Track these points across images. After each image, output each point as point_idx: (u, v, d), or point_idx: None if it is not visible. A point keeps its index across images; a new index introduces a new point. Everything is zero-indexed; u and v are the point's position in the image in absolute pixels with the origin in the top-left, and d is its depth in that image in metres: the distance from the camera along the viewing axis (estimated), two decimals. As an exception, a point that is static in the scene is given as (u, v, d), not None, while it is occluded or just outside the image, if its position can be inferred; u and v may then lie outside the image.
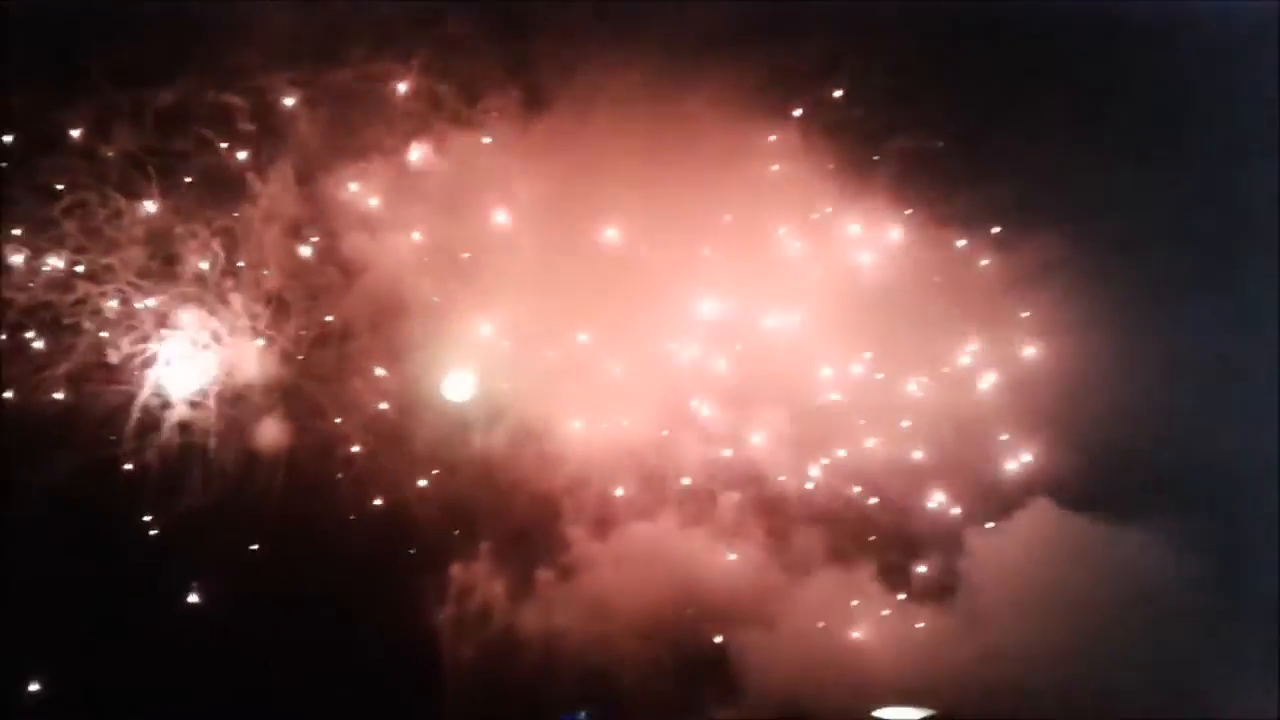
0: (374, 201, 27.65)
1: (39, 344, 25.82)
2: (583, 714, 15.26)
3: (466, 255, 27.64)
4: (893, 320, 26.74)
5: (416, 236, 27.52)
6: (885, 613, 26.42)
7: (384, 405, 27.68)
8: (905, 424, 27.22)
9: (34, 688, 24.10)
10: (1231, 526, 23.03)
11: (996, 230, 26.51)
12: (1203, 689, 21.87)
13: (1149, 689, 21.89)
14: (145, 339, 26.45)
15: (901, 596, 26.73)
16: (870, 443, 27.43)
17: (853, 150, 27.22)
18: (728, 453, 28.06)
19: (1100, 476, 24.21)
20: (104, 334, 26.19)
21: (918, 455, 27.21)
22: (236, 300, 26.87)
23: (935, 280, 25.87)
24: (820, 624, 25.31)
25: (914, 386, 27.19)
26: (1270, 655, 21.00)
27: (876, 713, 20.55)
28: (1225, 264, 24.31)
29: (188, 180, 26.75)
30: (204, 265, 26.76)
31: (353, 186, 27.47)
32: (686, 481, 28.07)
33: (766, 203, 27.49)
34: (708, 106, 26.85)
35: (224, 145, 26.95)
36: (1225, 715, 21.24)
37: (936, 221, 26.59)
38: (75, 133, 26.23)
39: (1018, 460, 25.43)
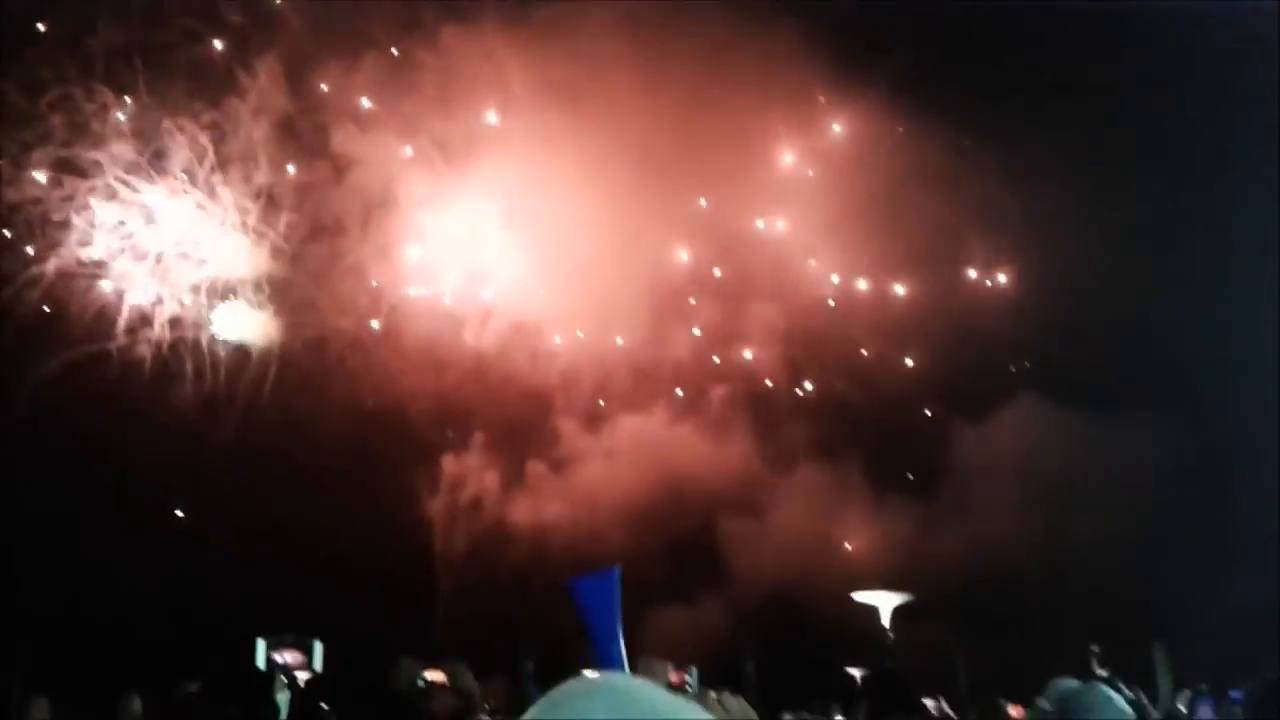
0: (365, 102, 27.49)
1: (29, 242, 25.78)
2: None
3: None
4: (889, 220, 26.63)
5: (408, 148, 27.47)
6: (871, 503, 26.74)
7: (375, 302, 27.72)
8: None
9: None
10: (1217, 420, 23.15)
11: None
12: (1187, 578, 22.16)
13: (1133, 579, 22.17)
14: (134, 234, 26.37)
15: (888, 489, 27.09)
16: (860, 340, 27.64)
17: (849, 51, 26.79)
18: (716, 358, 28.30)
19: (1089, 371, 24.26)
20: (93, 229, 26.09)
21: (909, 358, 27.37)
22: (226, 195, 26.76)
23: (931, 179, 25.58)
24: (806, 514, 25.54)
25: (903, 289, 27.18)
26: (1258, 545, 21.19)
27: (856, 595, 20.84)
28: (1218, 167, 24.06)
29: (174, 74, 26.50)
30: (192, 160, 26.61)
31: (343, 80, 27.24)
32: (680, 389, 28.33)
33: (764, 103, 27.11)
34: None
35: (212, 39, 26.70)
36: (1210, 605, 21.51)
37: (934, 120, 26.26)
38: (60, 26, 25.92)
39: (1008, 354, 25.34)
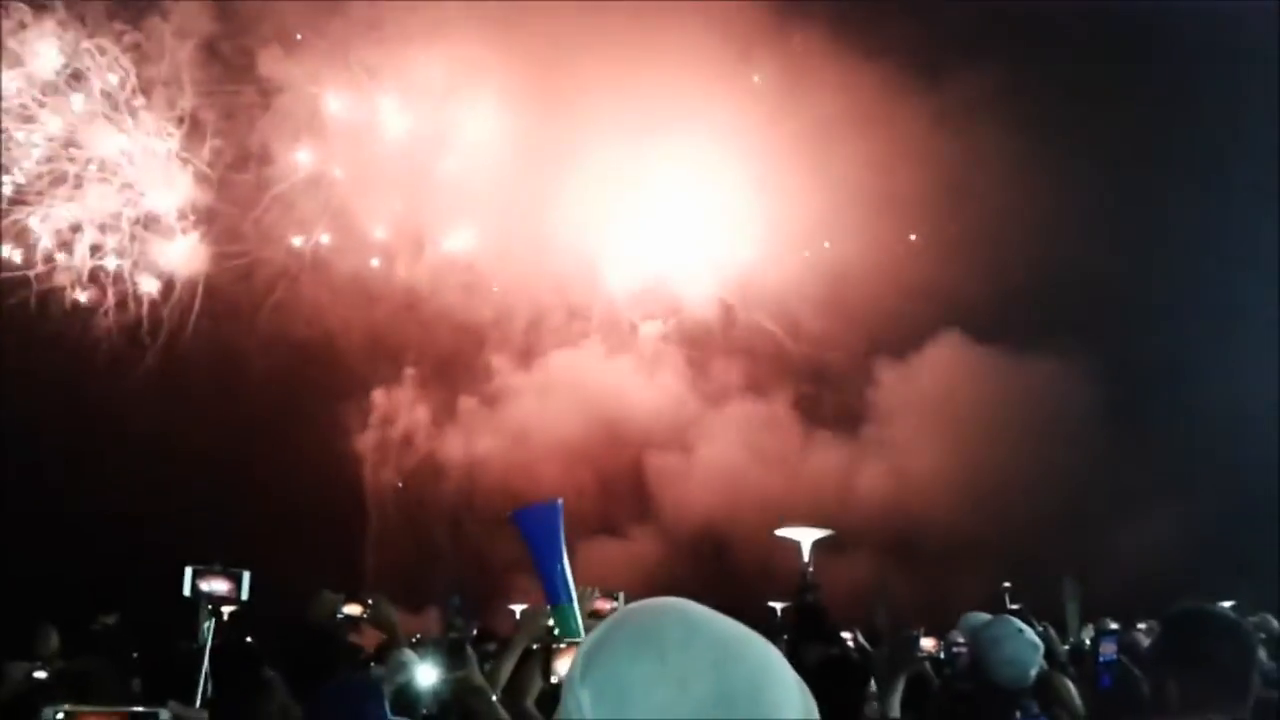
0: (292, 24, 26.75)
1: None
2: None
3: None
4: (824, 154, 26.59)
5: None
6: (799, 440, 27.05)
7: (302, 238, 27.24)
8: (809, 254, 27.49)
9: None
10: (1133, 358, 23.55)
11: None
12: (1099, 516, 22.72)
13: (1047, 517, 22.64)
14: (52, 158, 25.60)
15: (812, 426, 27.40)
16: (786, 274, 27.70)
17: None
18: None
19: (1010, 307, 24.56)
20: (9, 152, 25.27)
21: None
22: (148, 120, 26.04)
23: (865, 115, 25.50)
24: (735, 451, 25.77)
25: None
26: (1165, 482, 21.70)
27: (779, 531, 21.19)
28: (1134, 95, 24.30)
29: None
30: (113, 81, 25.82)
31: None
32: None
33: (702, 34, 26.73)
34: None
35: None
36: (1119, 543, 22.03)
37: (869, 53, 26.14)
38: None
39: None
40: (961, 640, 9.23)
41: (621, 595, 6.79)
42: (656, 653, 1.47)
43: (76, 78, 25.68)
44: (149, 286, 26.20)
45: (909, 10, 25.45)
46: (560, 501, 5.38)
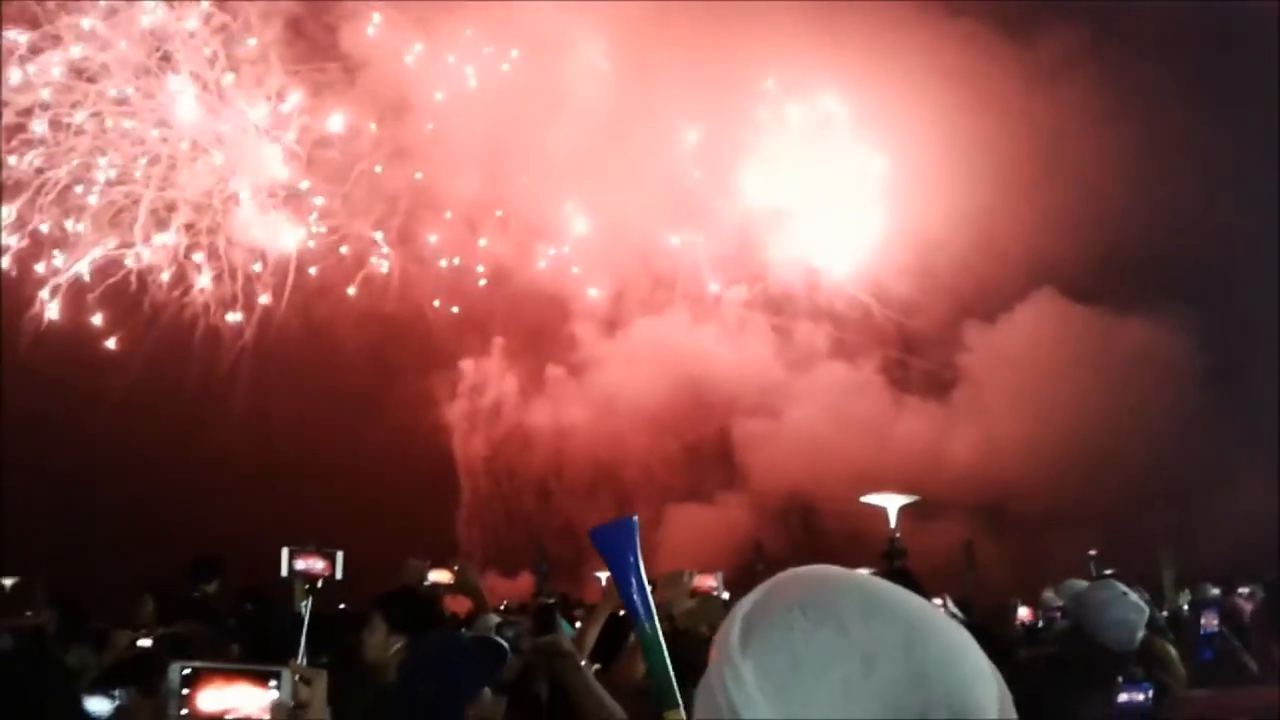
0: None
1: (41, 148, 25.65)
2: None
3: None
4: (909, 115, 26.15)
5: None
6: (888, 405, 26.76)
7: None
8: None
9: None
10: (1228, 320, 22.85)
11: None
12: (1201, 482, 22.12)
13: (1142, 479, 22.14)
14: (146, 140, 26.23)
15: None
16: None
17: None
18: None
19: (1107, 268, 23.94)
20: (104, 134, 25.95)
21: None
22: (237, 99, 26.52)
23: (949, 70, 24.93)
24: (819, 416, 25.53)
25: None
26: (1270, 448, 21.05)
27: (864, 497, 20.99)
28: (1231, 63, 23.45)
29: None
30: (202, 62, 26.33)
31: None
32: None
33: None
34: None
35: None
36: (1223, 508, 21.46)
37: (954, 11, 25.59)
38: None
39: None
40: (1056, 606, 9.09)
41: (720, 574, 6.78)
42: (836, 624, 1.30)
43: (166, 59, 26.19)
44: (242, 264, 26.71)
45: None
46: (635, 518, 5.29)
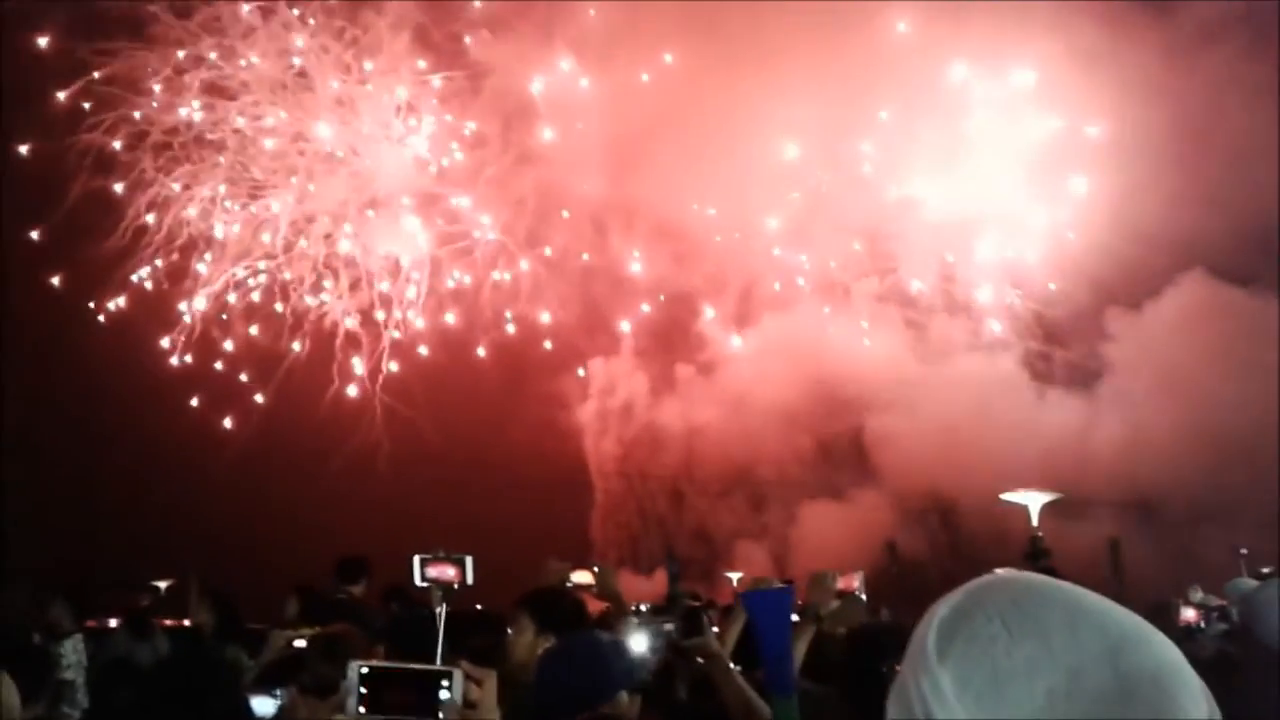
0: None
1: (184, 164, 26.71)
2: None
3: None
4: (1045, 98, 25.44)
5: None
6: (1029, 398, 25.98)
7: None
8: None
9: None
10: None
11: None
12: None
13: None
14: (285, 154, 27.08)
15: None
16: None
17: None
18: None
19: (1257, 246, 22.76)
20: (245, 149, 26.90)
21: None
22: (369, 110, 27.20)
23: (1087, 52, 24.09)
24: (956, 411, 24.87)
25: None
26: None
27: (1004, 495, 20.38)
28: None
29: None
30: (336, 76, 27.08)
31: None
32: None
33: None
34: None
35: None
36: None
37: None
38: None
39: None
40: (1215, 605, 8.73)
41: (861, 574, 6.65)
42: (1039, 635, 1.28)
43: (303, 75, 27.02)
44: (378, 271, 27.38)
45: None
46: (793, 585, 5.23)
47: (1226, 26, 23.31)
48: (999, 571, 1.47)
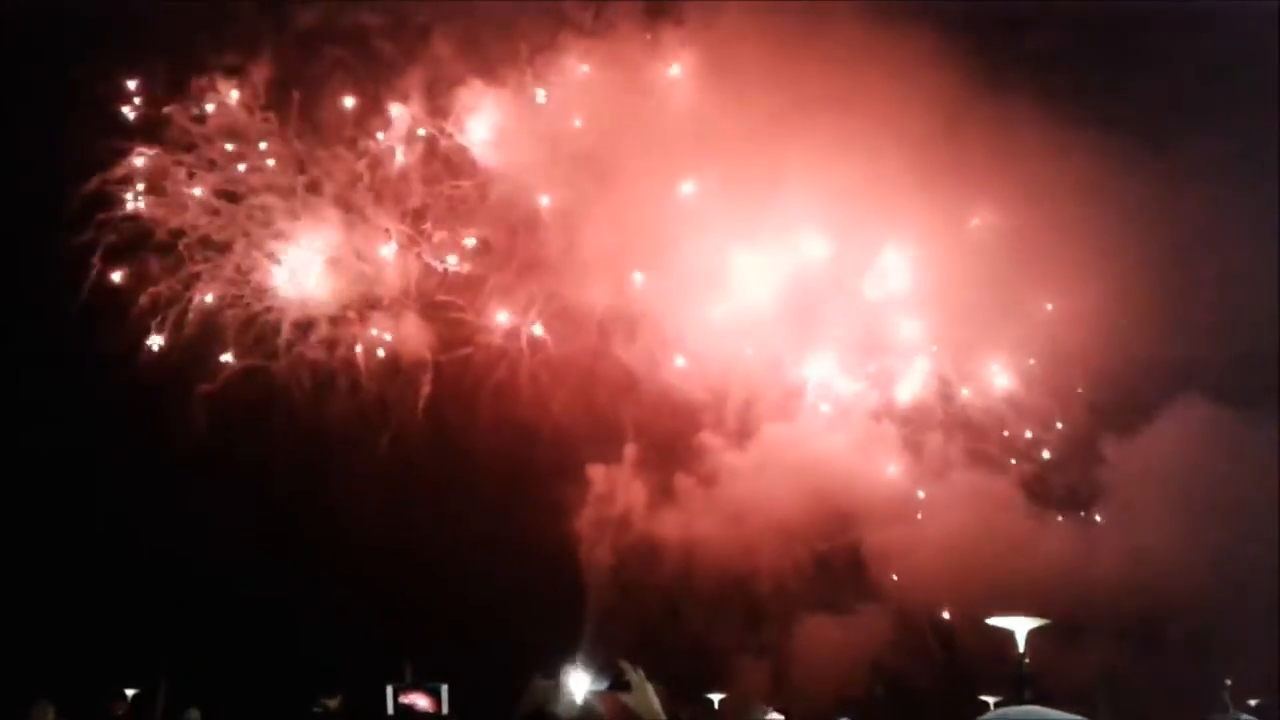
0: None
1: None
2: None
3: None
4: (1037, 223, 25.73)
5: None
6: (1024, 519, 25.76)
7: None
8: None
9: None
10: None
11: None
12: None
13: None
14: (291, 257, 27.45)
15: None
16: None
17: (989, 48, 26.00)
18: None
19: (1254, 367, 22.73)
20: (252, 251, 27.28)
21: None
22: (378, 216, 27.65)
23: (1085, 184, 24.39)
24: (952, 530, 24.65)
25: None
26: None
27: (990, 620, 19.96)
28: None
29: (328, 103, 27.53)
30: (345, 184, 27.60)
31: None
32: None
33: (905, 105, 26.34)
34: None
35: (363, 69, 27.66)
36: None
37: (1079, 122, 25.11)
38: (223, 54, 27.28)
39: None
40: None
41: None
42: None
43: (313, 181, 27.51)
44: (379, 372, 27.49)
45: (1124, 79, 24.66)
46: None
47: (1224, 160, 23.66)
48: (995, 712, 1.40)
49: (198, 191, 27.30)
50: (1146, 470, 24.24)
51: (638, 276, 27.88)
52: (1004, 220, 26.28)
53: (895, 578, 25.37)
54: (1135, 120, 24.28)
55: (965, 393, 27.35)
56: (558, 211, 27.96)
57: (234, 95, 27.38)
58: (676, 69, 28.05)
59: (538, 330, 28.20)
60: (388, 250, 27.83)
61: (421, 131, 27.95)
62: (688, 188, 27.93)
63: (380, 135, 27.86)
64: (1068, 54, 25.60)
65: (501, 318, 28.15)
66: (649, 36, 27.95)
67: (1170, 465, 23.69)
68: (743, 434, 28.17)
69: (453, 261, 28.21)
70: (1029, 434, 26.92)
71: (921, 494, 26.14)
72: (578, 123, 28.16)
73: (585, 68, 28.12)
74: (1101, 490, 25.43)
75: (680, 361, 28.27)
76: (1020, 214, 25.86)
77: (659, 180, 27.71)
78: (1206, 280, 23.16)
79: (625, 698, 6.45)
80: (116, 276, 26.84)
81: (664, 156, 27.33)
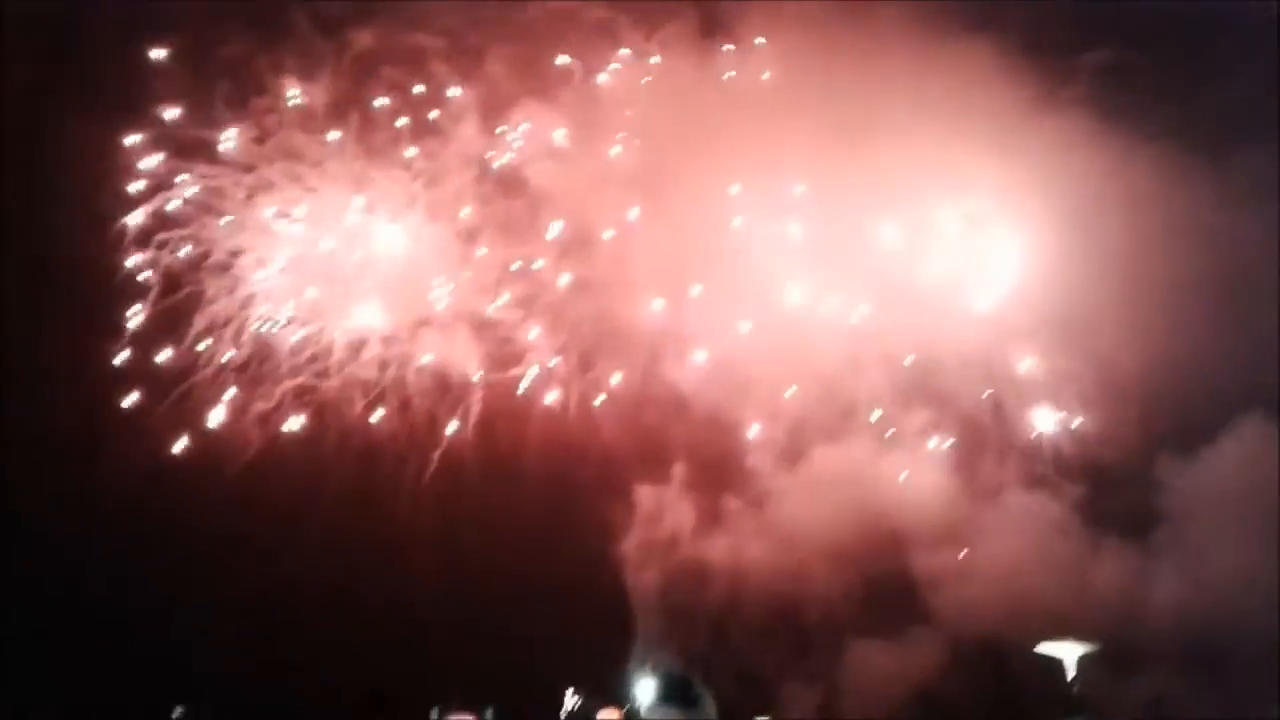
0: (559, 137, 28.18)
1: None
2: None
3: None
4: (1098, 245, 25.44)
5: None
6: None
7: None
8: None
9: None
10: None
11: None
12: None
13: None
14: (348, 277, 27.75)
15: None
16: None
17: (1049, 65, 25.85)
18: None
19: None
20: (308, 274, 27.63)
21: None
22: (430, 235, 27.87)
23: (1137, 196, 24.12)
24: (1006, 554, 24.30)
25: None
26: None
27: (1039, 647, 19.65)
28: None
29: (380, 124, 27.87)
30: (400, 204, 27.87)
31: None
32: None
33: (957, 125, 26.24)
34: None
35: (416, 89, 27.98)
36: None
37: (1140, 139, 24.85)
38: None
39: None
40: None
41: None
42: None
43: (369, 202, 27.79)
44: (429, 393, 27.62)
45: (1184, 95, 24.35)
46: None
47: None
48: None
49: (262, 212, 27.63)
50: (1206, 492, 23.78)
51: (696, 289, 27.55)
52: (1059, 237, 25.98)
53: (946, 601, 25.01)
54: (1193, 136, 24.01)
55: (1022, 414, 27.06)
56: (608, 229, 28.11)
57: (294, 109, 27.67)
58: (731, 73, 28.22)
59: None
60: (439, 269, 27.99)
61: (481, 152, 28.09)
62: (738, 206, 27.69)
63: (434, 155, 28.08)
64: (1126, 68, 25.30)
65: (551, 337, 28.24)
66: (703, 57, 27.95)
67: (1230, 487, 23.26)
68: (792, 455, 28.01)
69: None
70: (1085, 455, 26.46)
71: (971, 517, 25.71)
72: (625, 143, 28.28)
73: (646, 78, 28.32)
74: (1159, 513, 24.93)
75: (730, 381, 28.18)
76: (1078, 231, 25.56)
77: (711, 198, 27.74)
78: (1268, 297, 22.70)
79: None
80: (174, 296, 27.25)
81: (718, 173, 27.35)
